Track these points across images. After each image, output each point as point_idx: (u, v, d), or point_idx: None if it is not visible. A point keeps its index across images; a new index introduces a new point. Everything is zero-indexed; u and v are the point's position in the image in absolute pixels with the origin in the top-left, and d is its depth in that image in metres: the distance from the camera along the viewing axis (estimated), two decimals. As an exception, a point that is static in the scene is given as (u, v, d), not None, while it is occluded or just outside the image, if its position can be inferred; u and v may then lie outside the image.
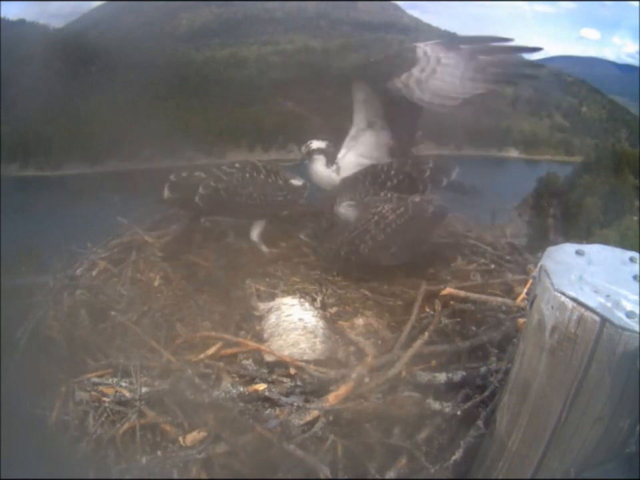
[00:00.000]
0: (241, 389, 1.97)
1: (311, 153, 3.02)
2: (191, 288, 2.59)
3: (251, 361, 2.15)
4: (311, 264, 2.82)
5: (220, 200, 2.79)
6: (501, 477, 1.64)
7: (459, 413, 1.93)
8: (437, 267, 2.75)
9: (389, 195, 2.68)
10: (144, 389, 2.03)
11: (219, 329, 2.30)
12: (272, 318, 2.29)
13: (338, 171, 3.00)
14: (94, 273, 2.85)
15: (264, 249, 2.92)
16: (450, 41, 2.62)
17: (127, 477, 1.85)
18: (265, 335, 2.24)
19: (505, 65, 2.55)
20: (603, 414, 1.38)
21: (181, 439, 1.88)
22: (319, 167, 3.02)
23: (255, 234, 2.91)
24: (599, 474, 1.44)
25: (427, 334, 2.22)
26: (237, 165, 2.87)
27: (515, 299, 2.56)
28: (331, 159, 3.01)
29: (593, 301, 1.33)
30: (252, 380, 2.05)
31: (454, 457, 1.82)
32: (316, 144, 3.02)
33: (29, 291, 2.82)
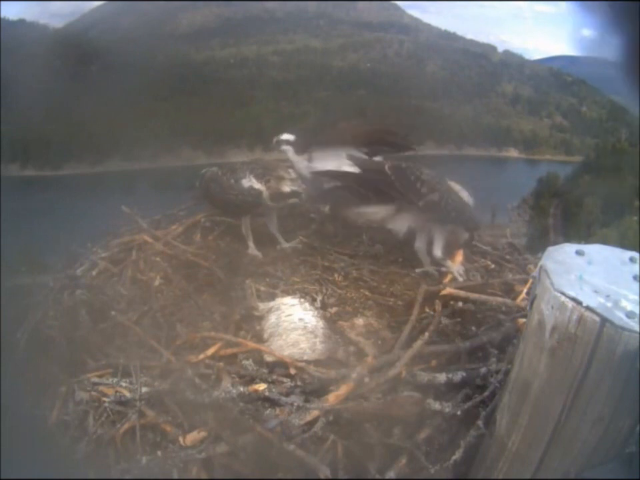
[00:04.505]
0: (241, 389, 1.96)
1: (279, 143, 3.24)
2: (191, 288, 2.59)
3: (250, 361, 2.14)
4: (311, 264, 2.82)
5: (205, 194, 3.10)
6: (501, 477, 1.64)
7: (458, 412, 1.93)
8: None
9: None
10: (144, 389, 2.02)
11: (219, 329, 2.30)
12: (272, 318, 2.29)
13: (310, 159, 3.19)
14: (94, 272, 2.85)
15: (283, 243, 3.00)
16: None
17: (127, 477, 1.85)
18: (265, 335, 2.24)
19: None
20: (603, 414, 1.38)
21: (181, 438, 1.87)
22: (290, 154, 3.23)
23: (271, 228, 3.06)
24: (599, 474, 1.44)
25: (427, 334, 2.21)
26: (237, 163, 3.07)
27: (515, 298, 2.56)
28: (300, 149, 3.21)
29: (593, 300, 1.33)
30: (252, 380, 2.04)
31: (454, 457, 1.81)
32: (285, 136, 3.25)
33: (29, 291, 2.82)
